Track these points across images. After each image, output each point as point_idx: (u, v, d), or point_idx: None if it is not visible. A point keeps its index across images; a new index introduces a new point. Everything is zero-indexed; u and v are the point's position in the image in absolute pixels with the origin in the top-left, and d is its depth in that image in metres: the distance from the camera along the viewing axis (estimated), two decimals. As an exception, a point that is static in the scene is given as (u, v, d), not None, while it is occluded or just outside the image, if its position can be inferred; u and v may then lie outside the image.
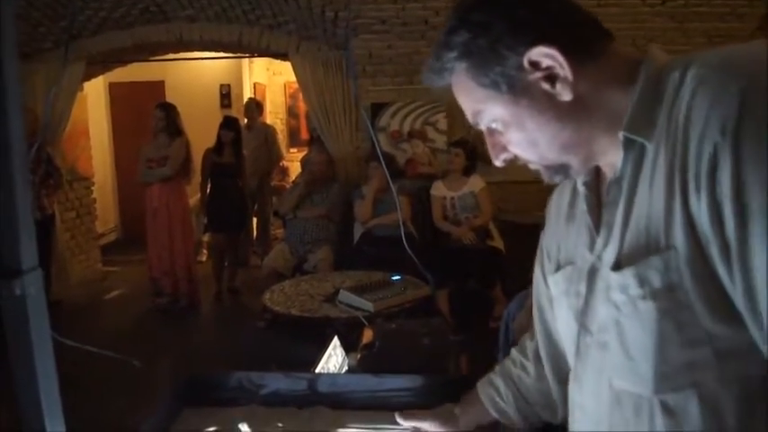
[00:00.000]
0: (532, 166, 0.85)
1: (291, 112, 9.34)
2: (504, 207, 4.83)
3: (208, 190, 5.50)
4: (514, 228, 4.58)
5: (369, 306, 2.92)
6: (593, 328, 0.83)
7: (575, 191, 0.92)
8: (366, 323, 2.18)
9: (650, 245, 0.72)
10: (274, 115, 9.19)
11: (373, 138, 4.98)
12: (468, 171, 4.58)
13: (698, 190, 0.65)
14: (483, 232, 4.52)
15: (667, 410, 0.73)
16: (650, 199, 0.73)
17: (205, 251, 6.64)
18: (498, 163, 0.86)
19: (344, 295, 3.09)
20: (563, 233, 0.95)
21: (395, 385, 1.38)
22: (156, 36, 5.45)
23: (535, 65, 0.76)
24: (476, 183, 4.55)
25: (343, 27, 5.12)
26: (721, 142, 0.62)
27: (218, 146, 5.40)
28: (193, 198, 5.73)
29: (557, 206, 0.99)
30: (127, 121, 7.88)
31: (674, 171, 0.69)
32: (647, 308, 0.73)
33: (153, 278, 5.30)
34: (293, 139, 9.28)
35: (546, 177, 0.85)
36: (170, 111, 5.13)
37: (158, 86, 7.72)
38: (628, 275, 0.75)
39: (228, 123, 5.45)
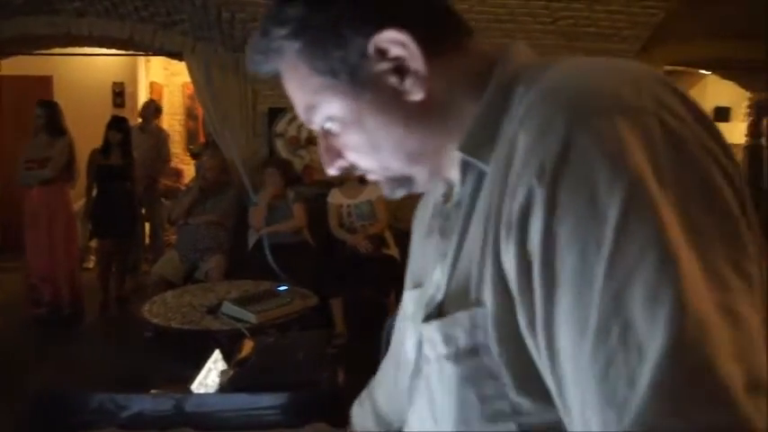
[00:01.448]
0: (372, 177, 0.73)
1: (190, 114, 9.04)
2: (399, 216, 4.86)
3: (94, 193, 5.21)
4: (409, 236, 4.61)
5: (251, 318, 2.84)
6: (421, 372, 0.71)
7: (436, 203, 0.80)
8: (248, 336, 2.11)
9: (463, 297, 0.62)
10: (171, 117, 8.86)
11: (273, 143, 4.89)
12: (363, 179, 4.56)
13: (508, 239, 0.54)
14: (378, 240, 4.53)
15: None
16: (476, 239, 0.61)
17: (93, 257, 6.29)
18: (332, 171, 0.73)
19: (227, 307, 3.00)
20: (421, 249, 0.84)
21: (266, 403, 1.32)
22: (42, 28, 5.12)
23: (382, 53, 0.64)
24: (373, 191, 4.56)
25: (240, 29, 5.01)
26: (536, 186, 0.51)
27: (105, 147, 5.13)
28: (78, 202, 5.41)
29: (420, 218, 0.89)
30: (9, 119, 7.35)
31: (492, 208, 0.58)
32: (451, 371, 0.63)
33: (31, 285, 4.94)
34: (191, 142, 8.98)
35: (387, 191, 0.73)
36: (52, 109, 4.83)
37: (46, 82, 7.24)
38: (434, 330, 0.65)
39: (116, 123, 5.18)
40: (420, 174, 0.70)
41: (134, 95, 7.64)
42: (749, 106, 8.62)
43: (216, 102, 5.14)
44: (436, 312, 0.66)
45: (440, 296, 0.67)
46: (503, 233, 0.55)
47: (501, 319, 0.57)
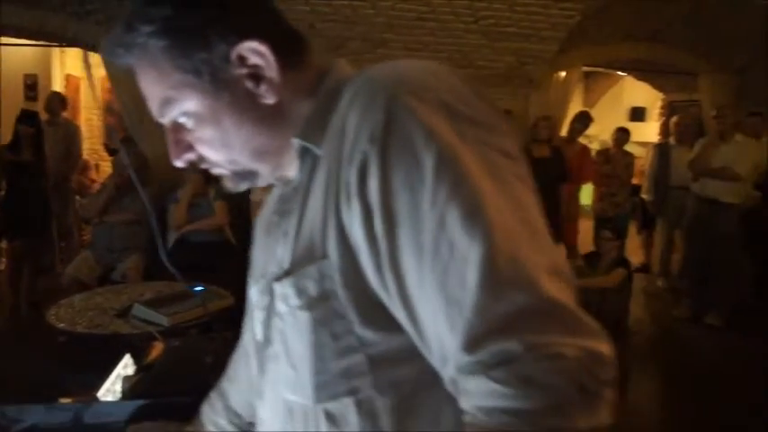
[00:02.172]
0: (216, 170, 0.80)
1: (109, 109, 8.70)
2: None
3: (3, 191, 4.94)
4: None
5: (163, 320, 2.75)
6: (273, 339, 0.81)
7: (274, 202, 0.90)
8: (160, 339, 2.04)
9: (310, 254, 0.72)
10: (89, 111, 8.51)
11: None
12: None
13: (348, 198, 0.66)
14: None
15: (330, 419, 0.73)
16: (317, 208, 0.72)
17: (5, 259, 5.97)
18: (180, 163, 0.80)
19: (138, 309, 2.89)
20: (263, 246, 0.91)
21: (169, 410, 1.29)
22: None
23: (243, 59, 0.73)
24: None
25: (159, 21, 4.85)
26: (370, 149, 0.64)
27: (15, 142, 4.87)
28: (-15, 200, 5.12)
29: (262, 216, 0.96)
30: None
31: (331, 179, 0.69)
32: (304, 318, 0.72)
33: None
34: (110, 138, 8.63)
35: (231, 184, 0.81)
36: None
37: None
38: (287, 285, 0.74)
39: (26, 118, 4.93)
40: (263, 169, 0.80)
41: (48, 89, 7.28)
42: (662, 107, 9.04)
43: (132, 96, 4.96)
44: (283, 274, 0.76)
45: (286, 265, 0.76)
46: (342, 195, 0.67)
47: (344, 267, 0.68)
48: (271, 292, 0.80)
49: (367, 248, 0.65)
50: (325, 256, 0.70)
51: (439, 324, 0.61)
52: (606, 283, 4.88)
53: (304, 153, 0.76)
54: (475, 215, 0.60)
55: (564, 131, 6.11)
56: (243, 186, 0.81)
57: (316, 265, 0.71)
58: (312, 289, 0.71)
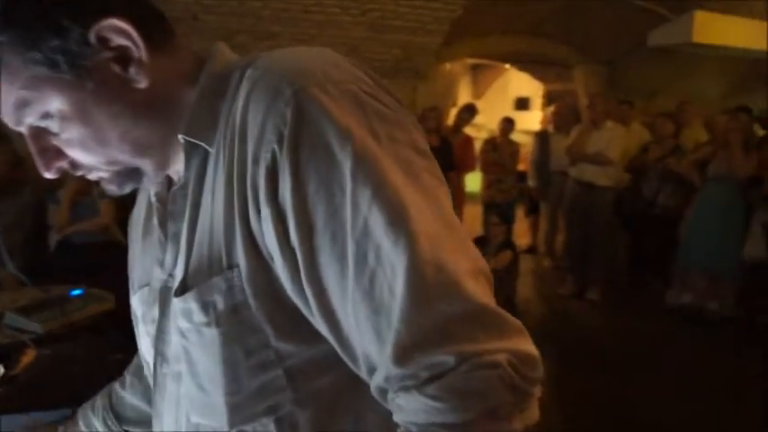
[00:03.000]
0: (95, 175, 0.72)
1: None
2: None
3: None
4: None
5: (37, 327, 2.62)
6: (170, 356, 0.73)
7: (150, 203, 0.81)
8: (33, 348, 1.96)
9: (214, 264, 0.65)
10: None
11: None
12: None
13: (257, 203, 0.60)
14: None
15: None
16: (212, 211, 0.66)
17: None
18: (50, 174, 0.69)
19: (10, 317, 2.74)
20: (140, 250, 0.85)
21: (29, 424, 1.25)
22: None
23: (104, 41, 0.64)
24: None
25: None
26: (279, 151, 0.59)
27: None
28: None
29: (135, 221, 0.90)
30: None
31: (233, 180, 0.63)
32: (212, 335, 0.66)
33: None
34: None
35: (114, 187, 0.72)
36: None
37: None
38: (190, 300, 0.67)
39: None
40: (148, 166, 0.71)
41: None
42: (543, 96, 9.51)
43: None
44: (181, 287, 0.69)
45: (180, 273, 0.69)
46: (250, 200, 0.61)
47: (255, 276, 0.63)
48: (162, 305, 0.73)
49: (282, 257, 0.60)
50: (231, 265, 0.64)
51: (365, 335, 0.58)
52: (494, 266, 5.11)
53: (192, 149, 0.68)
54: (399, 221, 0.57)
55: (451, 122, 6.30)
56: (127, 188, 0.73)
57: (222, 276, 0.64)
58: (220, 303, 0.65)
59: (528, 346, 0.59)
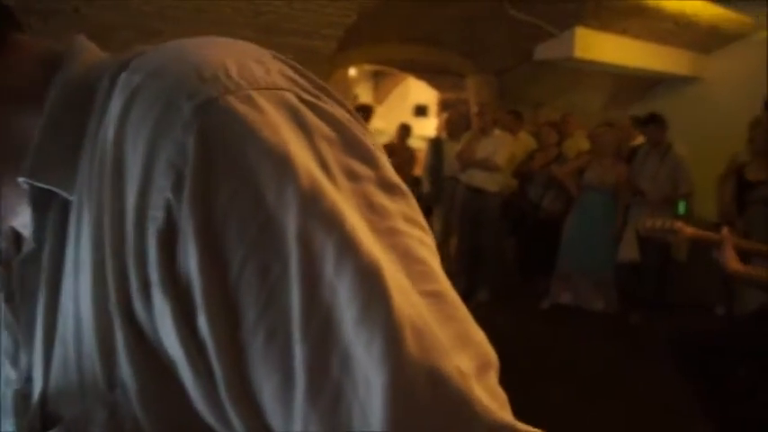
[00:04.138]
0: None
1: None
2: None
3: None
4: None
5: None
6: None
7: None
8: None
9: (86, 381, 0.43)
10: None
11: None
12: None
13: (145, 284, 0.39)
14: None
15: None
16: (77, 293, 0.44)
17: None
18: None
19: None
20: None
21: None
22: None
23: None
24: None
25: None
26: (176, 201, 0.38)
27: None
28: None
29: None
30: None
31: (104, 247, 0.41)
32: None
33: None
34: None
35: None
36: None
37: None
38: None
39: None
40: None
41: None
42: (438, 104, 9.77)
43: None
44: (41, 415, 0.46)
45: (39, 384, 0.47)
46: (133, 277, 0.40)
47: (150, 397, 0.41)
48: (20, 418, 0.50)
49: (189, 366, 0.39)
50: (113, 383, 0.42)
51: None
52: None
53: (41, 198, 0.46)
54: (374, 307, 0.36)
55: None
56: None
57: (100, 401, 0.42)
58: None
59: None
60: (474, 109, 5.99)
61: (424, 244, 0.43)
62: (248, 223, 0.37)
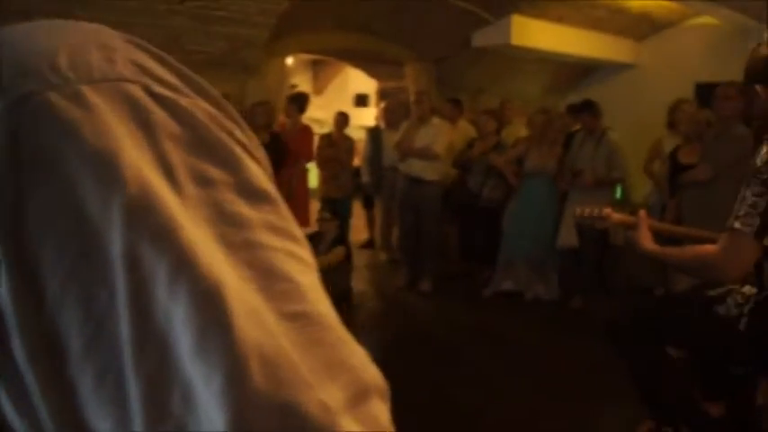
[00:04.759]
0: None
1: None
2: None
3: None
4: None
5: None
6: None
7: None
8: None
9: None
10: None
11: None
12: None
13: None
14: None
15: None
16: None
17: None
18: None
19: None
20: None
21: None
22: None
23: None
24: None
25: None
26: None
27: None
28: None
29: None
30: None
31: None
32: None
33: None
34: None
35: None
36: None
37: None
38: None
39: None
40: None
41: None
42: (377, 93, 9.70)
43: None
44: None
45: None
46: None
47: None
48: None
49: (12, 405, 0.34)
50: None
51: None
52: (328, 262, 5.11)
53: None
54: (215, 335, 0.31)
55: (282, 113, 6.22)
56: None
57: None
58: None
59: None
60: (413, 97, 5.91)
61: (294, 257, 0.37)
62: (67, 242, 0.32)
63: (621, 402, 3.04)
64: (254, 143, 0.40)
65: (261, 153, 0.40)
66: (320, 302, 0.36)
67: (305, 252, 0.38)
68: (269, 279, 0.34)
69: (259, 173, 0.38)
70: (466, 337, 4.61)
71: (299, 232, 0.38)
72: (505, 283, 5.49)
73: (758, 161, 1.84)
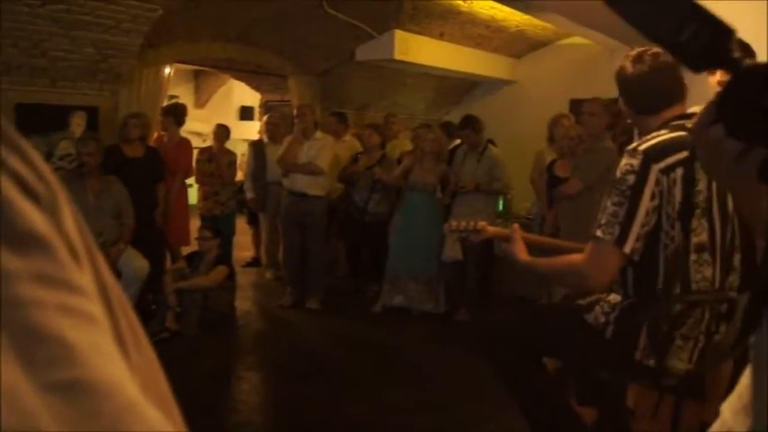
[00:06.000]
0: None
1: None
2: None
3: None
4: None
5: None
6: None
7: None
8: None
9: None
10: None
11: None
12: None
13: None
14: None
15: None
16: None
17: None
18: None
19: None
20: None
21: None
22: None
23: None
24: None
25: None
26: None
27: None
28: None
29: None
30: None
31: None
32: None
33: None
34: None
35: None
36: None
37: None
38: None
39: None
40: None
41: None
42: (260, 106, 9.49)
43: None
44: None
45: None
46: None
47: None
48: None
49: None
50: None
51: None
52: (208, 282, 4.87)
53: None
54: None
55: (157, 127, 5.91)
56: None
57: None
58: None
59: None
60: (295, 111, 5.80)
61: (68, 312, 0.30)
62: None
63: (505, 410, 3.06)
64: (36, 171, 0.33)
65: (46, 183, 0.33)
66: (98, 365, 0.30)
67: (86, 303, 0.31)
68: (31, 343, 0.28)
69: (31, 213, 0.31)
70: (355, 354, 4.52)
71: (79, 280, 0.32)
72: (395, 299, 5.46)
73: (618, 173, 1.90)
